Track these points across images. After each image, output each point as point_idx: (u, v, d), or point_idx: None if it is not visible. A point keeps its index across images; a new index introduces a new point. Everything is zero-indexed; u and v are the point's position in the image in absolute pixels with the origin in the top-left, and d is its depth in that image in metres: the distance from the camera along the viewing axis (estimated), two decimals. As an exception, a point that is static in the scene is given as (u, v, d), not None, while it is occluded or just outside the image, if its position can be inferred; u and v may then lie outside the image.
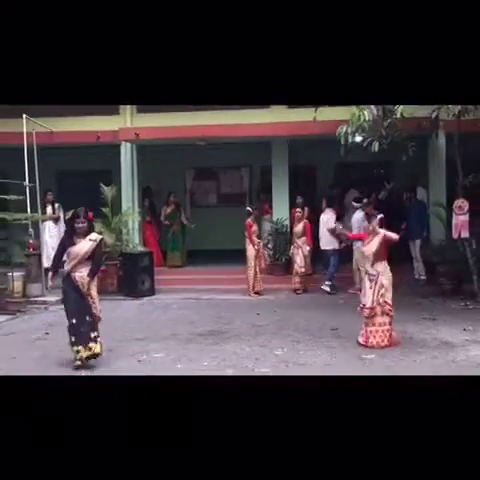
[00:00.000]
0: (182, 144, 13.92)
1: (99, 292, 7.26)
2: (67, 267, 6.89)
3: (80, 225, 6.89)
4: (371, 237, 7.87)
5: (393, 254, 12.37)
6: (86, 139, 13.39)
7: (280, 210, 13.52)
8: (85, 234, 6.91)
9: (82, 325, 6.82)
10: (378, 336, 7.67)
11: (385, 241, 7.81)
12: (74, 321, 6.81)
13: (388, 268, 7.87)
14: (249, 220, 12.10)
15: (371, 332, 7.68)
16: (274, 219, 13.57)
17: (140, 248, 13.26)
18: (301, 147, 13.63)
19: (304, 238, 12.10)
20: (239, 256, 12.54)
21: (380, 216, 7.98)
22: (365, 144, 10.14)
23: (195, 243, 14.72)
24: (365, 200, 12.03)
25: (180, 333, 8.82)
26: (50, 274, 7.25)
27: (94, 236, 6.98)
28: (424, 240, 12.47)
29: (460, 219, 10.86)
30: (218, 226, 15.78)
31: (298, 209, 12.38)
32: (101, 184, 12.91)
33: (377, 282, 7.70)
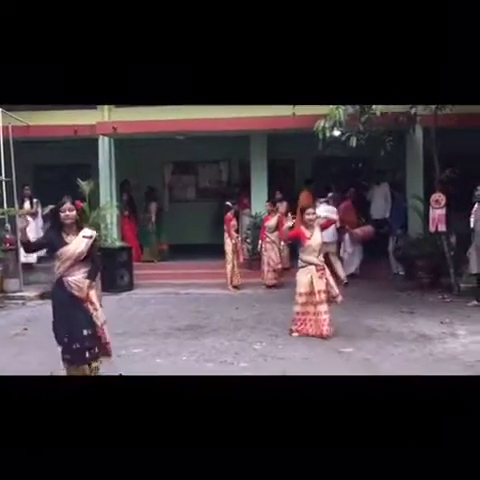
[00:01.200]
0: (160, 138, 13.89)
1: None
2: (58, 270, 5.70)
3: (67, 213, 5.63)
4: (311, 230, 8.11)
5: (372, 248, 12.63)
6: (63, 133, 13.30)
7: (259, 204, 13.53)
8: (74, 227, 5.74)
9: (77, 341, 5.60)
10: (315, 325, 8.00)
11: (324, 229, 8.47)
12: (66, 340, 5.61)
13: None
14: (229, 214, 12.14)
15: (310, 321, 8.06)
16: (253, 213, 13.61)
17: (118, 243, 13.22)
18: (280, 141, 13.67)
19: (277, 233, 12.15)
20: (218, 251, 12.56)
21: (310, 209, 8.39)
22: (343, 139, 10.21)
23: (174, 238, 14.72)
24: (330, 194, 12.10)
25: (159, 328, 8.84)
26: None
27: (89, 232, 5.78)
28: (400, 236, 12.61)
29: (437, 213, 10.98)
30: (196, 221, 15.85)
31: (268, 203, 12.51)
32: (78, 179, 12.81)
33: (325, 273, 8.08)
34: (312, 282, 7.96)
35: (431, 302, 10.35)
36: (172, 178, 16.97)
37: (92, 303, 5.69)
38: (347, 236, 12.50)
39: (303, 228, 8.15)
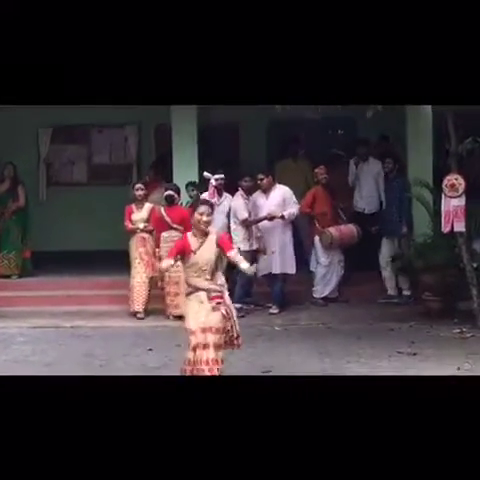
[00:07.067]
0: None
1: None
2: None
3: None
4: (201, 239, 7.87)
5: (358, 258, 12.55)
6: None
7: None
8: None
9: None
10: None
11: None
12: None
13: None
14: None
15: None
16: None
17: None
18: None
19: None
20: (118, 261, 12.49)
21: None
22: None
23: (49, 241, 14.72)
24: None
25: (28, 382, 8.57)
26: None
27: None
28: (403, 237, 12.39)
29: (453, 204, 10.95)
30: (88, 215, 15.85)
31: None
32: None
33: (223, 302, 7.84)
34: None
35: (443, 337, 10.43)
36: (51, 149, 16.76)
37: None
38: (318, 240, 12.42)
39: (190, 236, 7.84)
